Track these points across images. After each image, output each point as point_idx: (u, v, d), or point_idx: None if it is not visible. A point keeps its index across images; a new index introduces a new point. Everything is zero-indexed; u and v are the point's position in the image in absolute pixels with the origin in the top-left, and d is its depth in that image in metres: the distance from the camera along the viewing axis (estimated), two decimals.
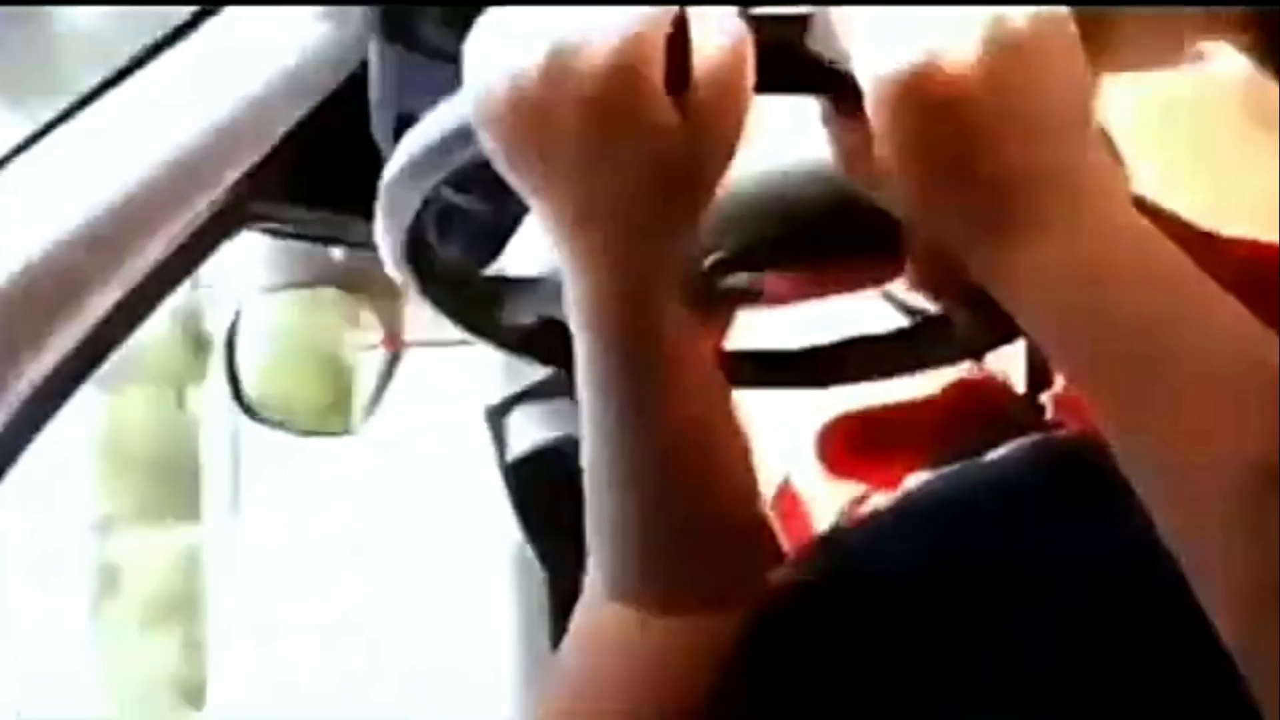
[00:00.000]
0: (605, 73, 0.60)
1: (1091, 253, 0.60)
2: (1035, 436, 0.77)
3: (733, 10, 0.62)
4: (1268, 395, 0.59)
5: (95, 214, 0.99)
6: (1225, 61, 0.92)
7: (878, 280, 0.79)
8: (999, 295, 0.63)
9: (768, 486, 0.80)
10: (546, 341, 0.80)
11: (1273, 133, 0.91)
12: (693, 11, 0.62)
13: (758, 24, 0.62)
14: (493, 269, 0.84)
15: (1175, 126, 0.89)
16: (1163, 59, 0.91)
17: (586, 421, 0.68)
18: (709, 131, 0.61)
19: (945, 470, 0.78)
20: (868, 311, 0.81)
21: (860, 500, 0.84)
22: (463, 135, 0.67)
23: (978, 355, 0.81)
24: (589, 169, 0.62)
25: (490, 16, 0.64)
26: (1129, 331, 0.60)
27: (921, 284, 0.76)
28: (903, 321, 0.80)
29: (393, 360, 1.15)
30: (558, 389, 1.19)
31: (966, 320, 0.76)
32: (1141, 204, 0.64)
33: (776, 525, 0.78)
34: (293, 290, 1.20)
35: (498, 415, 1.32)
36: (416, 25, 0.92)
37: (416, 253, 0.75)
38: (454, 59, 0.98)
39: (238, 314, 1.18)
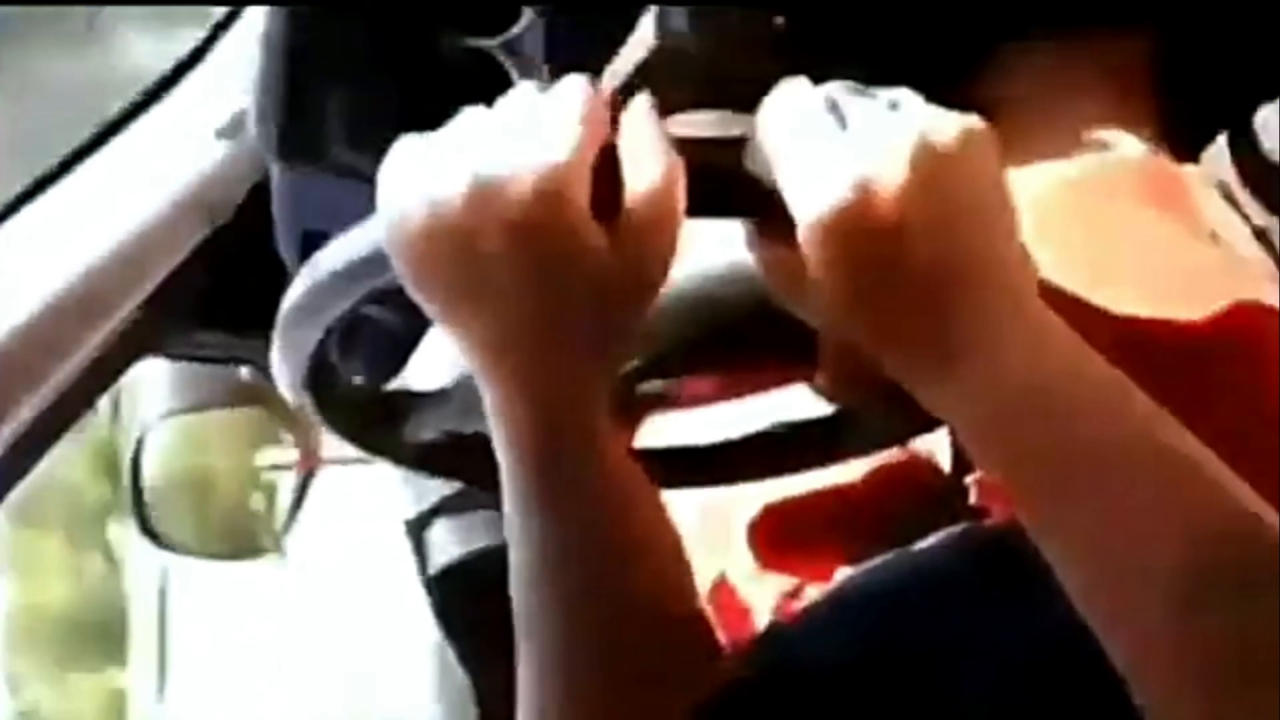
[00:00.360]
0: (531, 199, 0.59)
1: (1023, 366, 0.61)
2: (962, 525, 0.78)
3: (664, 136, 0.62)
4: (1197, 501, 0.60)
5: None
6: (1125, 148, 0.96)
7: (793, 379, 0.79)
8: (930, 404, 0.63)
9: (703, 581, 0.80)
10: (452, 457, 0.79)
11: (1166, 211, 0.94)
12: (625, 137, 0.62)
13: (689, 147, 0.62)
14: (396, 382, 0.83)
15: (1074, 208, 0.91)
16: (1069, 149, 0.95)
17: (518, 533, 0.67)
18: (640, 256, 0.61)
19: (876, 562, 0.78)
20: (787, 399, 0.81)
21: (793, 593, 0.84)
22: (370, 263, 0.66)
23: (886, 447, 0.81)
24: (515, 295, 0.61)
25: (405, 143, 0.63)
26: (1060, 440, 0.61)
27: (834, 382, 0.77)
28: (822, 408, 0.79)
29: (307, 479, 1.13)
30: (477, 500, 1.18)
31: (878, 415, 0.77)
32: (1042, 286, 0.65)
33: (714, 620, 0.77)
34: (200, 413, 1.18)
35: (418, 528, 1.30)
36: (314, 145, 0.91)
37: (318, 375, 0.75)
38: (356, 174, 0.98)
39: (141, 440, 1.16)
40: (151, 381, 1.17)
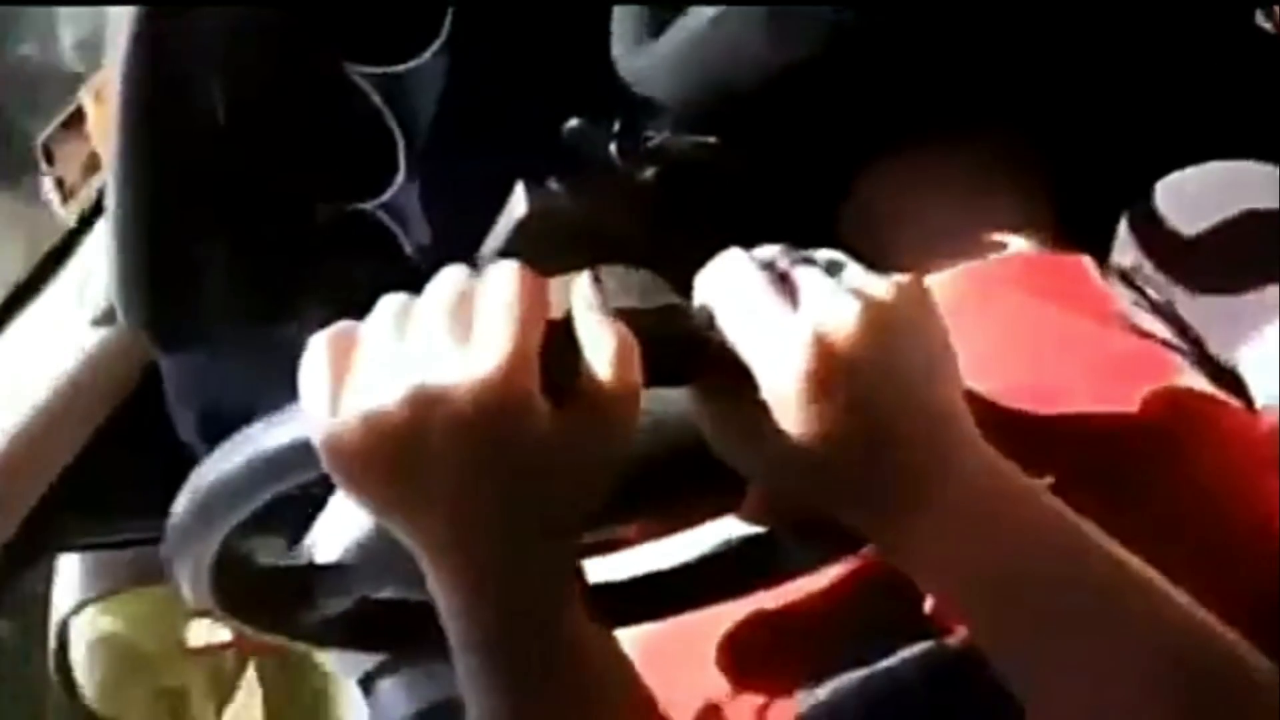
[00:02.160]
0: (477, 402, 0.57)
1: (969, 511, 0.62)
2: (923, 647, 0.77)
3: (607, 313, 0.61)
4: (1148, 623, 0.62)
5: None
6: (1016, 245, 0.96)
7: (718, 515, 0.77)
8: (883, 548, 0.64)
9: (691, 702, 0.80)
10: (369, 625, 0.78)
11: (1066, 301, 0.93)
12: (577, 316, 0.60)
13: (635, 318, 0.61)
14: (306, 541, 0.80)
15: (967, 300, 0.91)
16: (978, 252, 0.95)
17: (475, 693, 0.65)
18: (600, 433, 0.60)
19: (840, 684, 0.78)
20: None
21: (763, 708, 0.82)
22: (278, 465, 0.64)
23: (820, 567, 0.80)
24: (464, 495, 0.59)
25: (324, 339, 0.61)
26: (1008, 576, 0.63)
27: (758, 517, 0.76)
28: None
29: (242, 658, 1.11)
30: (427, 654, 1.15)
31: (796, 543, 0.76)
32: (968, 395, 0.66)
33: None
34: (119, 596, 1.16)
35: (368, 683, 1.28)
36: (189, 331, 0.88)
37: (222, 576, 0.72)
38: (240, 351, 0.96)
39: (64, 625, 1.13)
40: (64, 567, 1.14)
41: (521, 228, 0.80)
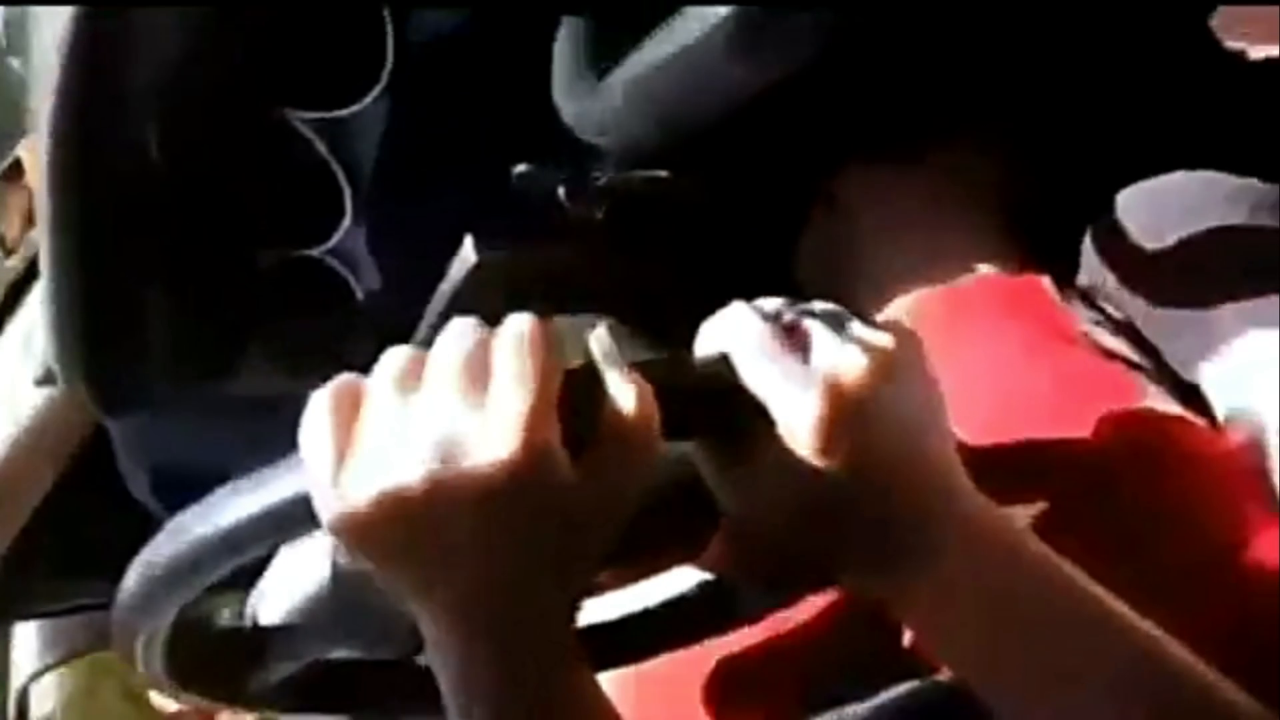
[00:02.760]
0: (502, 471, 0.57)
1: (964, 563, 0.64)
2: (910, 685, 0.78)
3: (624, 364, 0.61)
4: (1152, 687, 0.64)
5: None
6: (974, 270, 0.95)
7: (683, 562, 0.77)
8: (882, 596, 0.65)
9: None
10: (322, 687, 0.77)
11: (1028, 319, 0.92)
12: (598, 367, 0.60)
13: (649, 369, 0.62)
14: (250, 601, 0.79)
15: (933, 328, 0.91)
16: (938, 278, 0.95)
17: None
18: (616, 485, 0.60)
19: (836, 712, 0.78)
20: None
21: None
22: (272, 525, 0.62)
23: (783, 608, 0.80)
24: (484, 561, 0.59)
25: (323, 403, 0.59)
26: (1005, 625, 0.65)
27: (718, 565, 0.75)
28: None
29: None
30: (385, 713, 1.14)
31: (754, 591, 0.77)
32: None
33: None
34: (77, 661, 1.13)
35: None
36: (133, 393, 0.86)
37: (173, 639, 0.70)
38: (186, 409, 0.94)
39: (23, 692, 1.10)
40: (20, 634, 1.12)
41: (471, 277, 0.79)
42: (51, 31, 0.76)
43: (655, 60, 0.88)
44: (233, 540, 0.63)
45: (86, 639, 1.10)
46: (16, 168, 0.98)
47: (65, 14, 0.75)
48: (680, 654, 0.80)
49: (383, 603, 0.72)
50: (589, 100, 0.87)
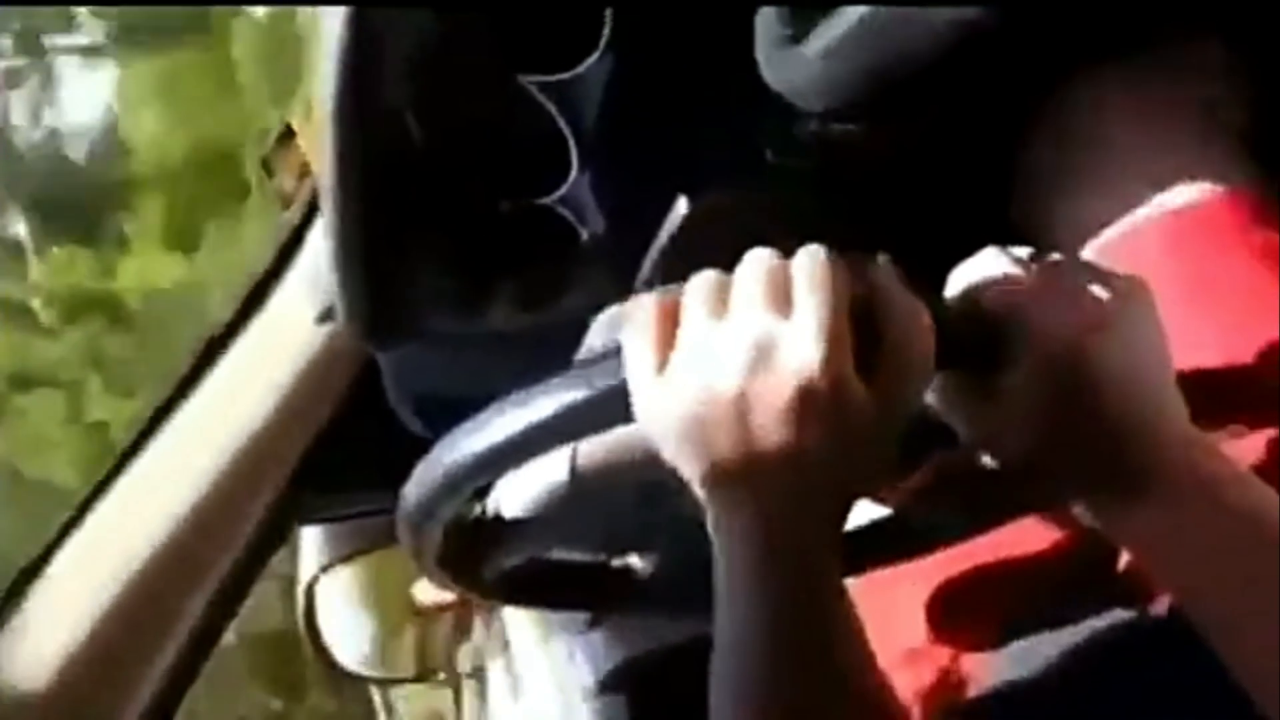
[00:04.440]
0: (807, 374, 0.64)
1: (1198, 488, 0.67)
2: (1125, 614, 0.81)
3: (912, 297, 0.67)
4: None
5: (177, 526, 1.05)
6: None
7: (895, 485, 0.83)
8: (1108, 528, 0.69)
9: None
10: (536, 584, 0.83)
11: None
12: (879, 293, 0.66)
13: (930, 303, 0.68)
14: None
15: (1179, 243, 0.93)
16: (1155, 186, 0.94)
17: (735, 618, 0.69)
18: (896, 403, 0.66)
19: (1034, 644, 0.83)
20: None
21: (953, 659, 0.88)
22: (587, 417, 0.69)
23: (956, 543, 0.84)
24: (782, 459, 0.65)
25: (647, 311, 0.66)
26: (1233, 558, 0.67)
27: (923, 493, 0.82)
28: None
29: (464, 617, 1.19)
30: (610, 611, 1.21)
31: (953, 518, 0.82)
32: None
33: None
34: (360, 558, 1.26)
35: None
36: (402, 326, 0.98)
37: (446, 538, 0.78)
38: (445, 340, 1.05)
39: (311, 586, 1.23)
40: (307, 534, 1.25)
41: (685, 225, 0.87)
42: (328, 25, 0.90)
43: (854, 19, 0.91)
44: (552, 428, 0.69)
45: (366, 539, 1.23)
46: (289, 132, 1.10)
47: (340, 13, 0.88)
48: (887, 571, 0.84)
49: (608, 508, 0.82)
50: (792, 63, 0.93)
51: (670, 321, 0.68)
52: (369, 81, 0.91)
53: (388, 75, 0.92)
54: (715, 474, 0.67)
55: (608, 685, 1.22)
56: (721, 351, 0.66)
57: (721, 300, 0.67)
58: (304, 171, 1.11)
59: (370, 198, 0.95)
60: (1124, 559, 0.84)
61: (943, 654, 0.89)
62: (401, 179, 0.96)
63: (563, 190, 0.99)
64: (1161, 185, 0.96)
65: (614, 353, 0.69)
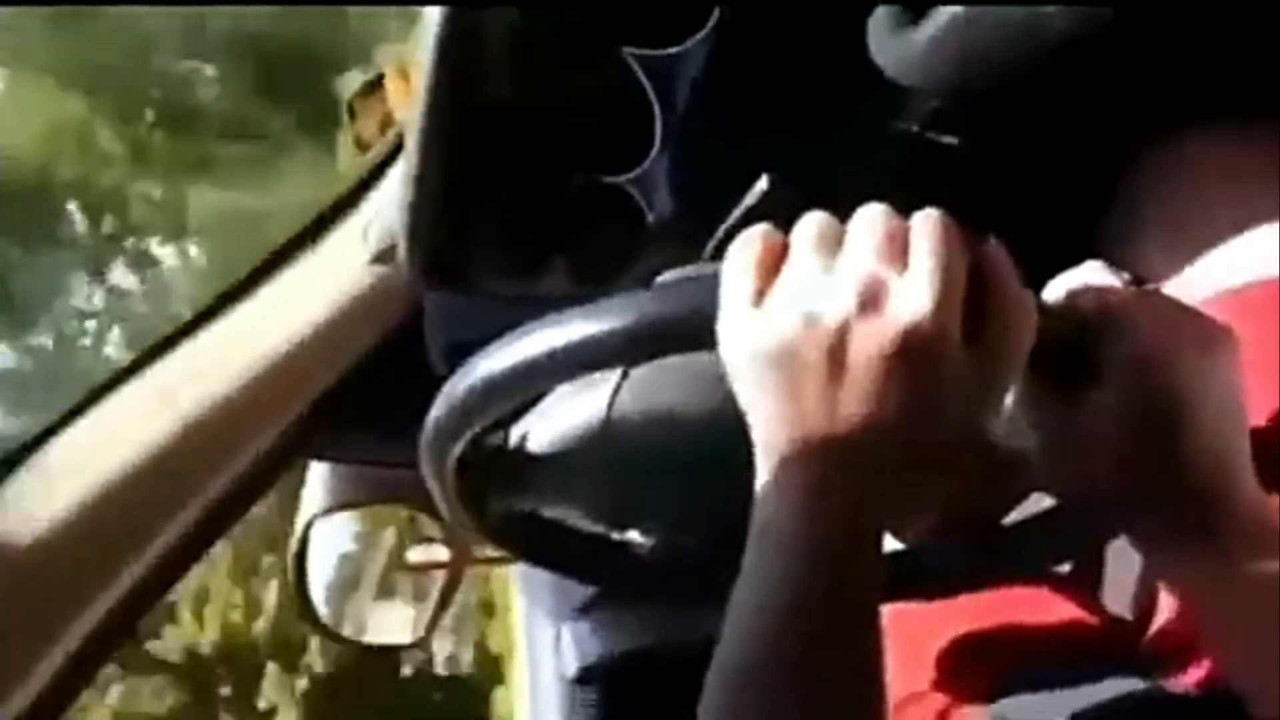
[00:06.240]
0: (914, 328, 0.62)
1: (1256, 542, 0.65)
2: (1144, 685, 0.79)
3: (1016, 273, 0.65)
4: None
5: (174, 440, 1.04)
6: None
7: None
8: (1168, 575, 0.69)
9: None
10: (538, 537, 0.82)
11: None
12: (989, 262, 0.65)
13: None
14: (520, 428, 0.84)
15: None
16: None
17: (764, 588, 0.65)
18: (994, 379, 0.65)
19: (1038, 703, 0.80)
20: None
21: (944, 712, 0.86)
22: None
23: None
24: (872, 410, 0.63)
25: (751, 242, 0.65)
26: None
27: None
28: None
29: (454, 579, 1.18)
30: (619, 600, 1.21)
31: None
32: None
33: None
34: (356, 510, 1.25)
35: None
36: (462, 276, 0.97)
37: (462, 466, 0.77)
38: (497, 295, 1.04)
39: (306, 532, 1.22)
40: (312, 478, 1.24)
41: (763, 203, 0.85)
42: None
43: (969, 10, 0.90)
44: (635, 337, 0.67)
45: (367, 491, 1.22)
46: (378, 81, 1.10)
47: None
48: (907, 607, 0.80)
49: (624, 474, 0.80)
50: (903, 44, 0.92)
51: (774, 257, 0.65)
52: (470, 37, 0.91)
53: (489, 30, 0.92)
54: (792, 416, 0.64)
55: (588, 677, 1.21)
56: (829, 289, 0.63)
57: (833, 244, 0.65)
58: (386, 122, 1.10)
59: (452, 151, 0.94)
60: (1154, 627, 0.82)
61: (940, 700, 0.87)
62: (486, 137, 0.95)
63: (639, 170, 0.98)
64: (1250, 255, 0.93)
65: (708, 277, 0.66)
